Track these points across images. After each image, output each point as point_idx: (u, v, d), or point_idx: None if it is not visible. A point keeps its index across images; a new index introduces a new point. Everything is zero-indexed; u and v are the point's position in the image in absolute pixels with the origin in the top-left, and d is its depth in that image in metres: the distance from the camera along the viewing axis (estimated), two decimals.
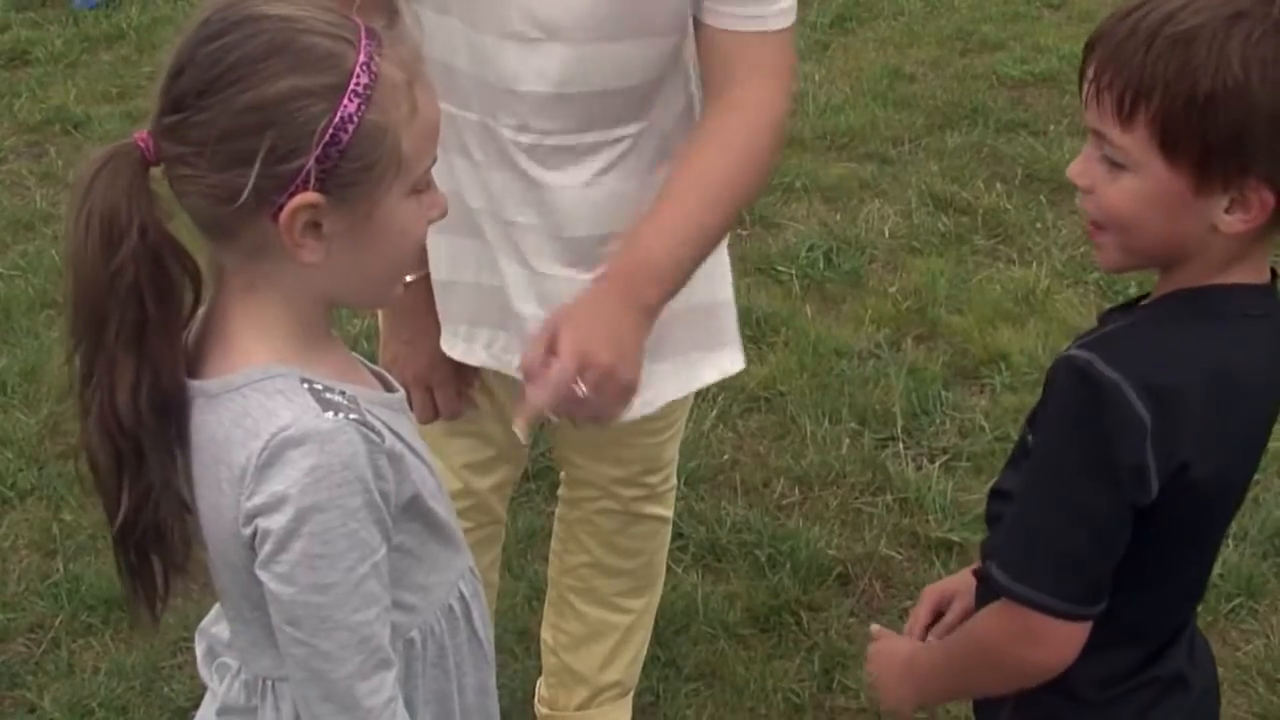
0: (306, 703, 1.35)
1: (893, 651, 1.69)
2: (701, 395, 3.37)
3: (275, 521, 1.28)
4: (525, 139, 1.82)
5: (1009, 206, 4.34)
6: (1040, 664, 1.42)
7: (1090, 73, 1.39)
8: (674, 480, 2.35)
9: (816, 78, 5.38)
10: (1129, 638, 1.47)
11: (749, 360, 3.48)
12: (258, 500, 1.28)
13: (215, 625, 1.52)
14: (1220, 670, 2.69)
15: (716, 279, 2.02)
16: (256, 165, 1.25)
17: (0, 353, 3.71)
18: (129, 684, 2.66)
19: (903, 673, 1.64)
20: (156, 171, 1.30)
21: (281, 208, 1.27)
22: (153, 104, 1.29)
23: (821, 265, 4.04)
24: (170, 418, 1.32)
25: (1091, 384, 1.33)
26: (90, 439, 1.31)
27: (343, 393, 1.34)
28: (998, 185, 4.49)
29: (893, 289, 3.93)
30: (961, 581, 1.72)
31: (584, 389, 1.55)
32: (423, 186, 1.38)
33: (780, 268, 4.02)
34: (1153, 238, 1.40)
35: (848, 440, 3.30)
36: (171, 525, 1.34)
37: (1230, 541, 2.91)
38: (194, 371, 1.36)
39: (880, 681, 1.68)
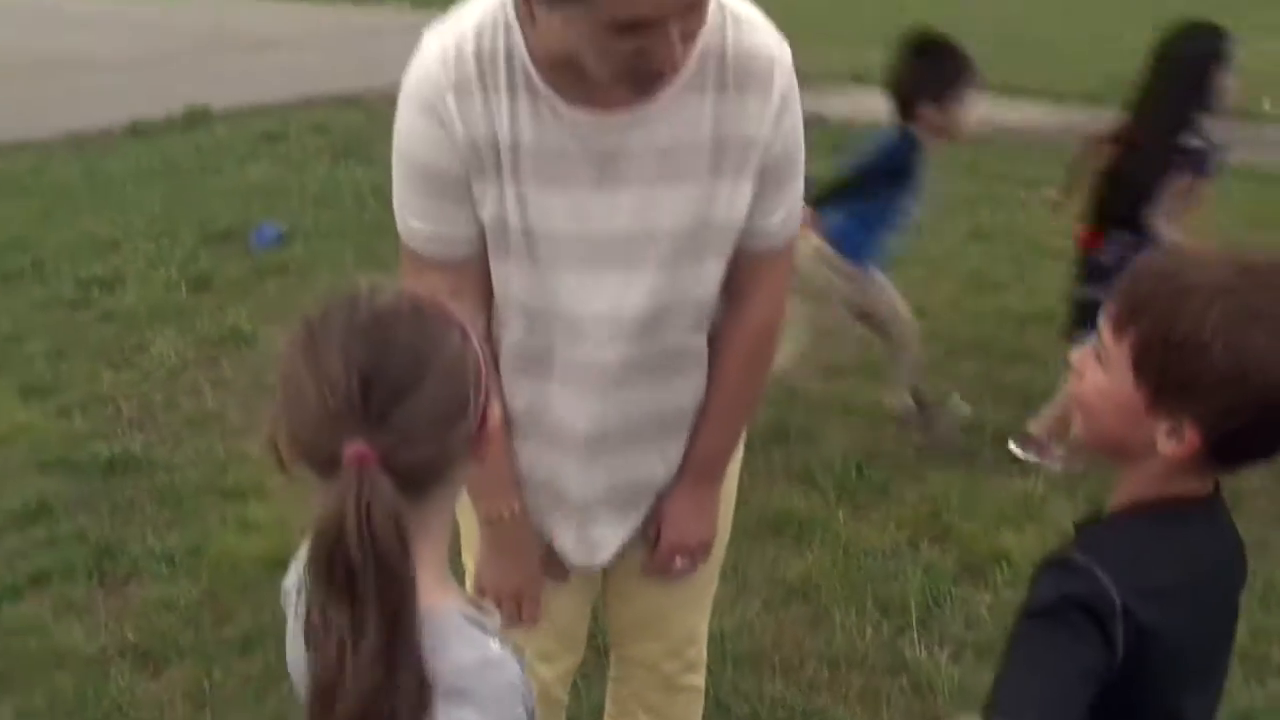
0: None
1: None
2: (748, 588, 3.39)
3: None
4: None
5: (1015, 427, 4.31)
6: None
7: (1119, 284, 1.43)
8: (704, 653, 2.30)
9: None
10: None
11: (789, 557, 3.52)
12: None
13: None
14: None
15: None
16: (469, 412, 1.22)
17: (172, 529, 3.75)
18: None
19: None
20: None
21: (483, 428, 1.25)
22: (341, 413, 1.17)
23: (852, 475, 4.04)
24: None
25: (1071, 570, 1.35)
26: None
27: (480, 614, 1.31)
28: (1004, 408, 4.49)
29: (912, 497, 3.91)
30: None
31: (680, 564, 2.06)
32: None
33: (818, 477, 4.02)
34: (1107, 430, 1.43)
35: (870, 629, 3.26)
36: None
37: None
38: None
39: None
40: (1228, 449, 1.37)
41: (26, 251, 6.44)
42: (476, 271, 1.82)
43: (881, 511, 3.85)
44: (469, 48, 1.70)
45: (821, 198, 3.96)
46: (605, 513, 1.98)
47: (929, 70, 3.85)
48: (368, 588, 1.14)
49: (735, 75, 1.73)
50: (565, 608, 2.10)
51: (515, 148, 1.72)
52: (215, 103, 10.15)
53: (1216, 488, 1.45)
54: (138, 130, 9.46)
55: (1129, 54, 13.00)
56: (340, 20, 17.17)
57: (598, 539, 1.99)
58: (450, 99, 1.70)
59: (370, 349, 1.18)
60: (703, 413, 1.97)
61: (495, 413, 1.28)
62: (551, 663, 2.14)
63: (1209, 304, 1.32)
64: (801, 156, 1.86)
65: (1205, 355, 1.32)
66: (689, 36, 1.58)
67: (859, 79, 11.23)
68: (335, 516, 1.14)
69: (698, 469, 2.01)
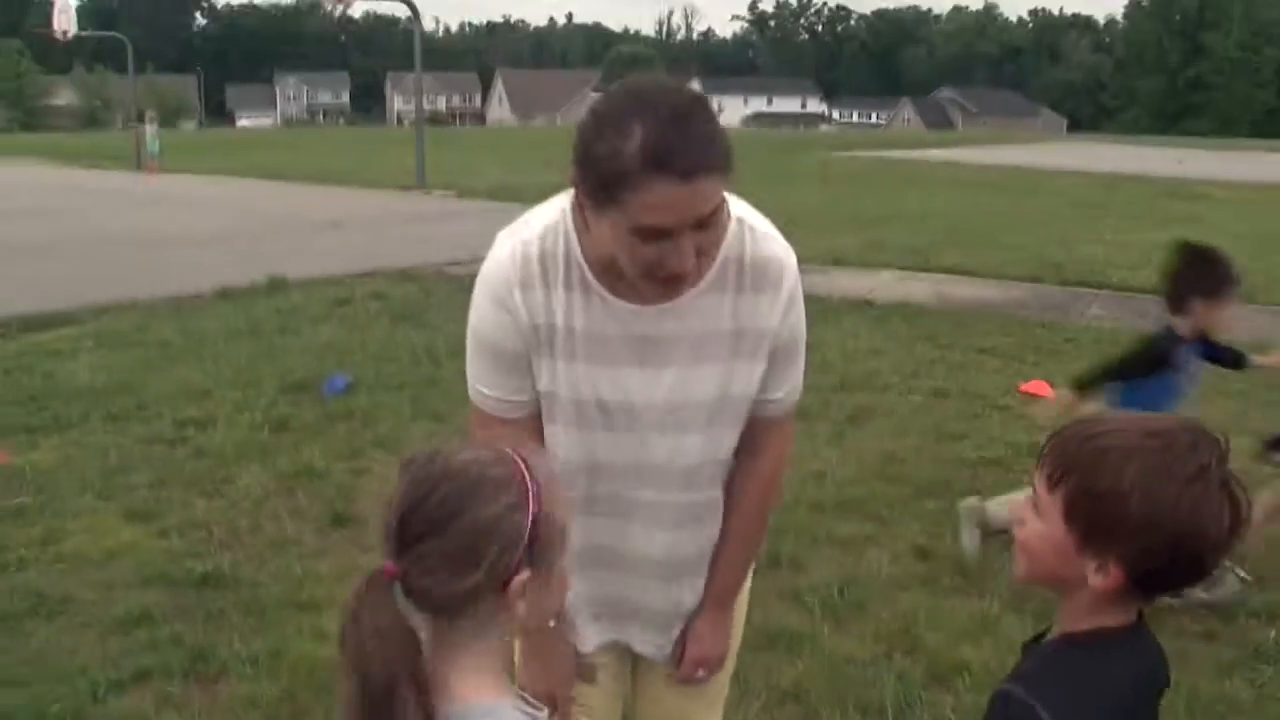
0: None
1: None
2: (749, 692, 3.35)
3: None
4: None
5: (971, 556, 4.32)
6: None
7: (1044, 448, 1.45)
8: None
9: (834, 460, 5.45)
10: None
11: (783, 666, 3.53)
12: None
13: None
14: None
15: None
16: (484, 566, 1.28)
17: (256, 636, 3.73)
18: None
19: None
20: None
21: (507, 584, 1.30)
22: (386, 538, 1.30)
23: (836, 596, 4.03)
24: None
25: (1016, 704, 1.37)
26: None
27: (534, 708, 1.39)
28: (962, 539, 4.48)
29: (886, 615, 3.91)
30: None
31: (701, 674, 2.07)
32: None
33: (806, 598, 4.01)
34: (1046, 568, 1.44)
35: None
36: None
37: None
38: None
39: None
40: (1147, 582, 1.40)
41: (132, 395, 6.54)
42: (532, 428, 1.91)
43: (860, 627, 3.84)
44: (534, 250, 1.82)
45: (1087, 383, 4.04)
46: (589, 619, 2.02)
47: (1204, 272, 3.92)
48: (354, 663, 1.26)
49: (752, 278, 1.84)
50: (600, 707, 2.13)
51: (570, 332, 1.83)
52: (291, 273, 10.39)
53: (1140, 613, 1.47)
54: (226, 295, 9.66)
55: (1057, 244, 13.36)
56: (392, 207, 17.58)
57: (584, 636, 2.04)
58: (517, 293, 1.82)
59: (420, 492, 1.30)
60: (720, 552, 2.01)
61: (523, 577, 1.30)
62: None
63: (1125, 462, 1.35)
64: (804, 341, 1.95)
65: (1125, 505, 1.35)
66: (703, 252, 1.70)
67: (837, 261, 11.49)
68: (346, 605, 1.29)
69: (716, 598, 2.04)
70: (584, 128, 1.66)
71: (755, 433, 1.96)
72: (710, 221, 1.67)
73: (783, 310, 1.87)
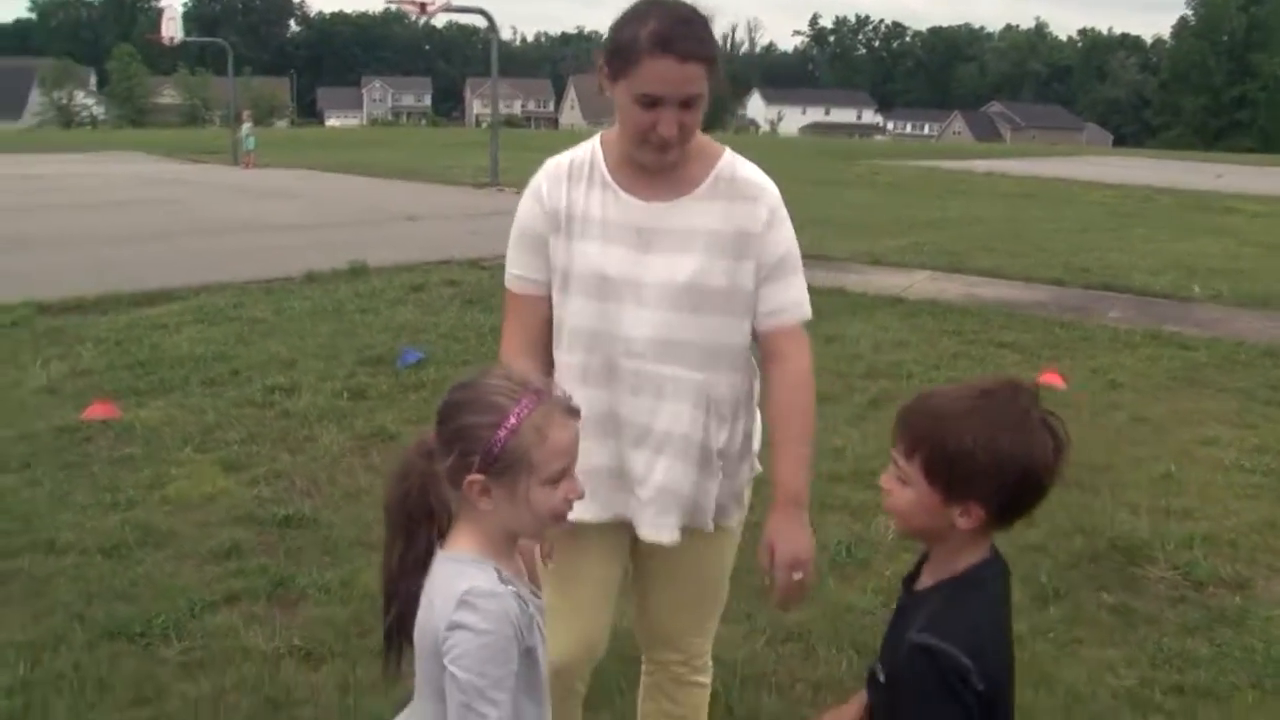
0: None
1: None
2: (755, 629, 3.54)
3: (462, 636, 1.52)
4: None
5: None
6: None
7: (896, 426, 1.61)
8: (710, 662, 2.48)
9: (854, 437, 5.61)
10: None
11: (789, 612, 3.66)
12: (455, 619, 1.52)
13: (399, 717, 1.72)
14: None
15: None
16: (451, 459, 1.56)
17: (330, 569, 3.96)
18: None
19: None
20: None
21: (460, 478, 1.57)
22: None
23: (844, 554, 4.18)
24: (421, 570, 1.61)
25: (935, 654, 1.51)
26: (391, 581, 1.64)
27: (511, 581, 1.60)
28: None
29: (888, 571, 4.04)
30: (853, 709, 1.76)
31: (799, 575, 2.10)
32: (556, 479, 1.58)
33: (817, 555, 4.06)
34: (919, 524, 1.60)
35: (847, 662, 3.41)
36: (408, 621, 1.62)
37: None
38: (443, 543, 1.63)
39: None
40: (1002, 514, 1.56)
41: (227, 364, 6.90)
42: (543, 311, 2.21)
43: (863, 581, 3.99)
44: (566, 160, 2.23)
45: None
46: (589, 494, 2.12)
47: None
48: (385, 493, 1.66)
49: (737, 190, 2.17)
50: (591, 585, 2.28)
51: (586, 218, 2.16)
52: (372, 260, 10.73)
53: (993, 548, 1.63)
54: (313, 278, 10.02)
55: (1087, 250, 13.31)
56: (466, 202, 17.94)
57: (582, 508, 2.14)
58: (545, 186, 2.20)
59: (449, 390, 1.62)
60: (777, 455, 2.14)
61: (476, 479, 1.54)
62: (579, 662, 2.32)
63: (964, 423, 1.51)
64: (798, 261, 2.19)
65: (972, 459, 1.50)
66: (686, 127, 2.04)
67: (875, 261, 11.61)
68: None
69: (788, 497, 2.13)
70: (614, 22, 2.05)
71: (775, 343, 2.18)
72: (693, 104, 2.02)
73: (765, 222, 2.16)
